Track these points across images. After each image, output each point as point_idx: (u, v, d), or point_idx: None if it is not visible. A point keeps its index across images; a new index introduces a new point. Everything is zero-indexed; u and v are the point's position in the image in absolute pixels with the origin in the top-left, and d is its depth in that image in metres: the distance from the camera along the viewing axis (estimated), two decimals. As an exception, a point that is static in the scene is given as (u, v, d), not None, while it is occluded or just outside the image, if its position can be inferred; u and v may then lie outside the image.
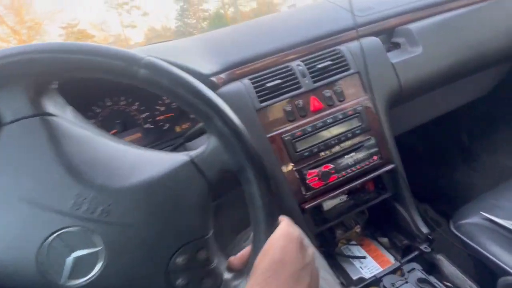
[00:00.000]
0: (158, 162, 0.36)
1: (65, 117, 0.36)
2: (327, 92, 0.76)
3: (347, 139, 0.76)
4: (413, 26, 0.86)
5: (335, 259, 0.85)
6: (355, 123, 0.77)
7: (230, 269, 0.39)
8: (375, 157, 0.78)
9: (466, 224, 0.71)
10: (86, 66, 0.33)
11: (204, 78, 0.70)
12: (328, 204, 0.82)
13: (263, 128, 0.72)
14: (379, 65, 0.80)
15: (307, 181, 0.73)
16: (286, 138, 0.72)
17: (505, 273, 0.60)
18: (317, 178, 0.74)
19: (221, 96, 0.71)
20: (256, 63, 0.77)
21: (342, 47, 0.80)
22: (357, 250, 0.86)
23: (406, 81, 0.82)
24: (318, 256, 0.37)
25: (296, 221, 0.38)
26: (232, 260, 0.40)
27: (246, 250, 0.39)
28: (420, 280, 0.68)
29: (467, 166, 1.29)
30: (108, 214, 0.32)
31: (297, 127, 0.73)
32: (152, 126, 0.77)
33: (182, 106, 0.35)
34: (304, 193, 0.74)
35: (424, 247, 0.79)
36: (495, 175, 1.18)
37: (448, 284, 0.72)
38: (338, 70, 0.78)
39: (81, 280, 0.32)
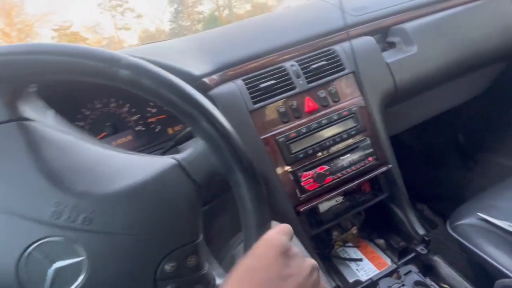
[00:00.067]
0: (144, 166, 0.34)
1: (44, 121, 0.34)
2: (322, 93, 0.75)
3: (342, 140, 0.75)
4: (408, 26, 0.85)
5: (331, 261, 0.84)
6: (350, 123, 0.76)
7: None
8: (370, 158, 0.78)
9: (463, 225, 0.71)
10: (62, 68, 0.31)
11: (195, 79, 0.68)
12: (324, 206, 0.81)
13: (257, 130, 0.71)
14: (374, 64, 0.80)
15: (302, 183, 0.72)
16: (280, 140, 0.71)
17: (502, 275, 0.59)
18: (312, 180, 0.73)
19: (214, 97, 0.71)
20: (249, 64, 0.76)
21: (337, 47, 0.79)
22: (354, 252, 0.85)
23: (401, 80, 0.81)
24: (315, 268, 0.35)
25: (291, 224, 0.37)
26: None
27: None
28: (417, 283, 0.67)
29: (463, 166, 1.29)
30: (90, 222, 0.31)
31: (292, 128, 0.72)
32: (143, 129, 0.75)
33: (167, 108, 0.33)
34: (299, 195, 0.73)
35: (420, 248, 0.78)
36: (491, 175, 1.18)
37: (445, 286, 0.72)
38: (332, 70, 0.77)
39: None
